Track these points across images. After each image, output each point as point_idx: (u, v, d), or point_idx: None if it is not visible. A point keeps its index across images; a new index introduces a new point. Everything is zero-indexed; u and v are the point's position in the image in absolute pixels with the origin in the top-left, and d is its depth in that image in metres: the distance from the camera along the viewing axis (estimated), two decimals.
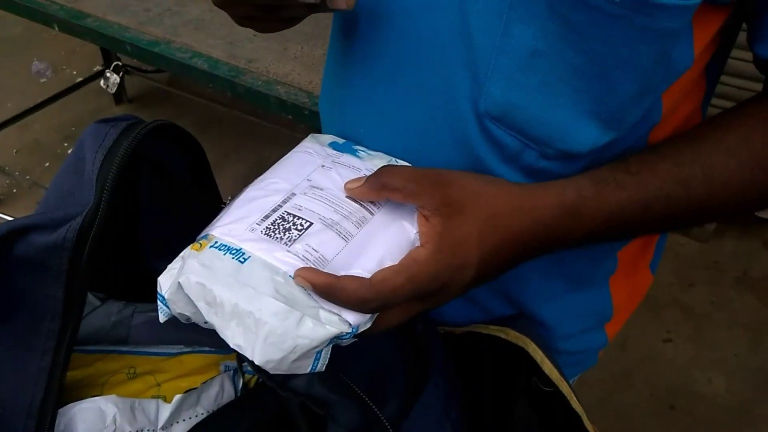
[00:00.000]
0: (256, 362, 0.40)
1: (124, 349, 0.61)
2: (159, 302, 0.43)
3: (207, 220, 0.47)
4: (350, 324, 0.41)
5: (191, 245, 0.44)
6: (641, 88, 0.45)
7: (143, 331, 0.64)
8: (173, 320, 0.44)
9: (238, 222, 0.45)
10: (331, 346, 0.42)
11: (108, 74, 2.32)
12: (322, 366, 0.42)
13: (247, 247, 0.42)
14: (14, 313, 0.48)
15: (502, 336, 0.55)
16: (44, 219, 0.43)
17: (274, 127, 2.31)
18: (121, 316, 0.64)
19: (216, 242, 0.43)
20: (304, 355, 0.40)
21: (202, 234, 0.46)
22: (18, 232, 0.43)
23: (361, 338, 0.43)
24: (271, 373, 0.40)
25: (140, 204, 0.56)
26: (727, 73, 1.67)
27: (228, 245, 0.43)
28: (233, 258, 0.42)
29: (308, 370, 0.41)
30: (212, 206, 0.59)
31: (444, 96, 0.48)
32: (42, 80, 2.55)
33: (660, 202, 0.47)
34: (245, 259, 0.42)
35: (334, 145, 0.54)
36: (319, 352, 0.41)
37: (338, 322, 0.40)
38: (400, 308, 0.44)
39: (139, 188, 0.55)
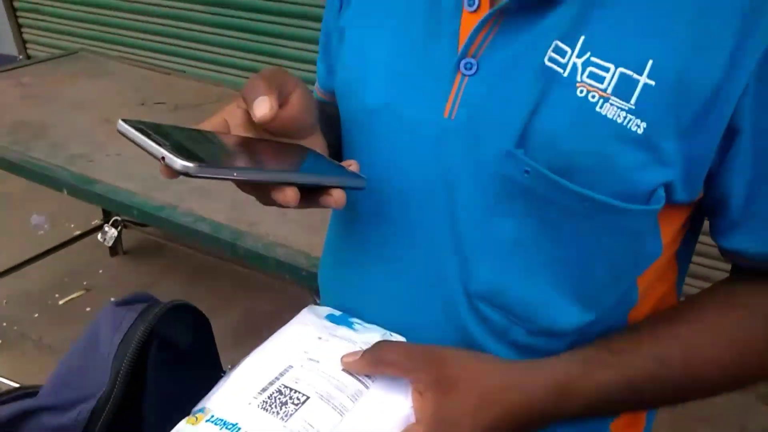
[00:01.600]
0: None
1: None
2: None
3: (207, 389, 0.48)
4: None
5: (187, 418, 0.45)
6: (615, 275, 0.50)
7: None
8: None
9: (234, 395, 0.45)
10: None
11: (107, 228, 2.38)
12: None
13: (243, 423, 0.43)
14: None
15: None
16: (56, 400, 0.44)
17: (267, 278, 2.33)
18: None
19: (212, 416, 0.44)
20: None
21: (199, 407, 0.46)
22: (29, 413, 0.44)
23: None
24: None
25: (146, 374, 0.57)
26: (701, 254, 1.75)
27: (224, 420, 0.43)
28: None
29: None
30: (214, 375, 0.60)
31: (435, 277, 0.53)
32: (39, 233, 2.60)
33: (643, 380, 0.49)
34: None
35: (331, 317, 0.56)
36: None
37: None
38: None
39: (146, 360, 0.56)
